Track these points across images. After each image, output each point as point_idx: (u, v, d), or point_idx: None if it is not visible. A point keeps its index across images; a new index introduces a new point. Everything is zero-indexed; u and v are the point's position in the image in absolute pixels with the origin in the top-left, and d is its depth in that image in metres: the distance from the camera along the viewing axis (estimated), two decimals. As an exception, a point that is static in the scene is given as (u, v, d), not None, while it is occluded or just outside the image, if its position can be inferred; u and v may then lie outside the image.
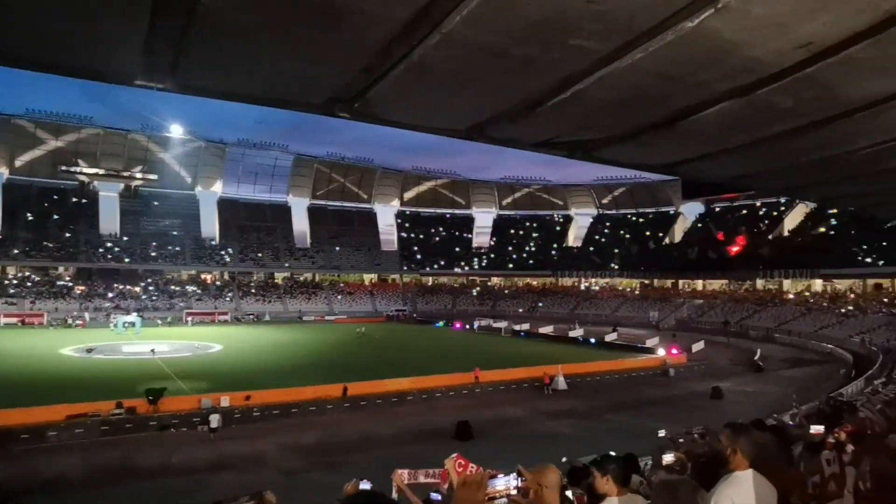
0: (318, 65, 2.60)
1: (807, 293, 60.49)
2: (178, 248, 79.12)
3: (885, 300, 51.08)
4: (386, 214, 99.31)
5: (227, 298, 75.59)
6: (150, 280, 74.21)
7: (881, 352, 36.54)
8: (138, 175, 74.70)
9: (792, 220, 69.57)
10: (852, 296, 55.59)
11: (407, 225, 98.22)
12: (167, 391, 24.77)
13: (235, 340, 48.75)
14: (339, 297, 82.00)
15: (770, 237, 68.57)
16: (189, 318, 66.21)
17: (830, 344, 45.46)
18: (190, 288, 75.66)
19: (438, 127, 3.46)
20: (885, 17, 2.32)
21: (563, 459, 10.77)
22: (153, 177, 76.70)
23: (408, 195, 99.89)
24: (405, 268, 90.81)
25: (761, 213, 74.24)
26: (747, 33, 2.37)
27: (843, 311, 52.17)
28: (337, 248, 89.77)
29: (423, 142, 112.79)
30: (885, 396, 9.83)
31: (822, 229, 63.29)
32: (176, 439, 21.62)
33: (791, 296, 60.99)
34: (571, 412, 26.27)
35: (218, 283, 79.96)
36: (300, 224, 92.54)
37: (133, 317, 57.17)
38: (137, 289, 71.68)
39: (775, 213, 72.07)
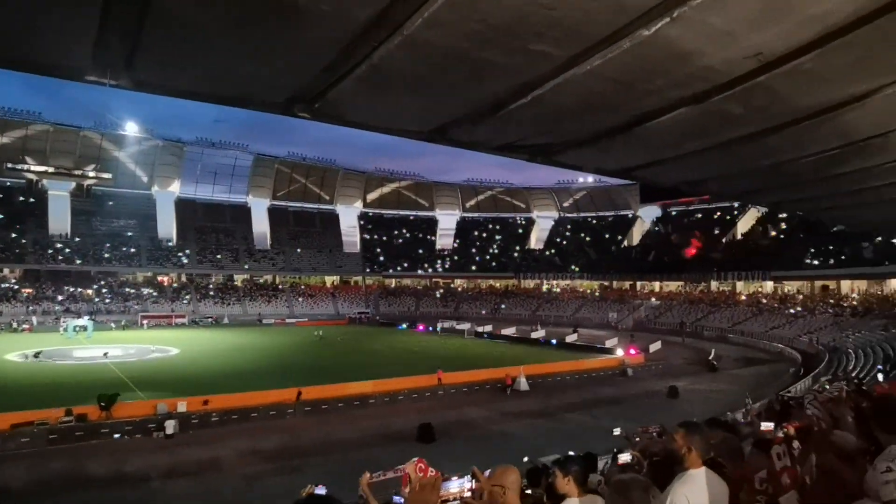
0: (277, 64, 2.57)
1: (758, 294, 62.56)
2: (133, 250, 76.69)
3: (832, 301, 53.22)
4: (348, 216, 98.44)
5: (185, 301, 73.69)
6: (103, 282, 71.70)
7: (827, 351, 38.09)
8: (91, 174, 72.10)
9: (744, 224, 71.90)
10: (801, 297, 57.74)
11: (370, 226, 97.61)
12: (120, 397, 23.95)
13: (193, 344, 47.53)
14: (299, 299, 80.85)
15: (724, 240, 70.69)
16: (144, 322, 64.25)
17: (780, 343, 47.11)
18: (145, 290, 73.45)
19: (400, 128, 3.45)
20: (829, 30, 2.43)
21: (525, 459, 10.87)
22: (107, 176, 74.15)
23: (371, 196, 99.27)
24: (368, 270, 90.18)
25: (715, 216, 76.48)
26: (701, 42, 2.44)
27: (792, 311, 54.13)
28: (298, 250, 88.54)
29: (385, 143, 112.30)
30: (829, 395, 10.25)
31: (773, 233, 65.60)
32: (130, 447, 20.91)
33: (743, 297, 62.97)
34: (533, 412, 26.52)
35: (175, 285, 77.85)
36: (260, 225, 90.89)
37: (84, 320, 55.07)
38: (89, 291, 69.18)
39: (728, 217, 74.35)
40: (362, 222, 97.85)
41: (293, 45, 2.41)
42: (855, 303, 50.52)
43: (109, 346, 41.67)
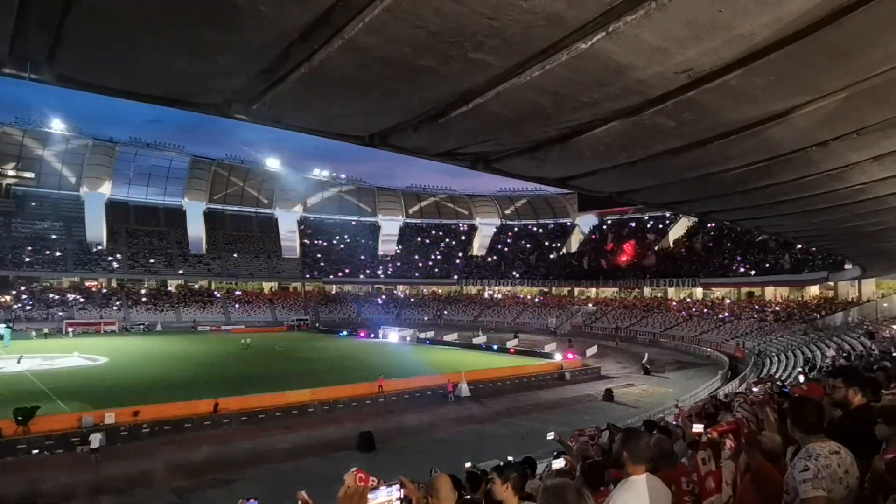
0: (212, 64, 2.47)
1: (688, 300, 65.29)
2: (58, 254, 72.28)
3: (757, 307, 56.13)
4: (288, 220, 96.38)
5: (115, 307, 70.14)
6: (23, 288, 67.29)
7: (753, 354, 40.13)
8: (10, 173, 67.70)
9: (675, 233, 74.96)
10: (728, 303, 60.61)
11: (310, 232, 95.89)
12: (40, 409, 22.45)
13: (123, 352, 45.23)
14: (236, 305, 78.41)
15: (656, 248, 73.46)
16: (70, 329, 60.50)
17: (709, 347, 49.27)
18: (71, 296, 69.41)
19: (340, 133, 3.40)
20: (753, 50, 2.55)
21: (468, 465, 10.91)
22: (29, 175, 69.83)
23: (311, 201, 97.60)
24: (307, 276, 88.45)
25: (649, 225, 79.41)
26: (635, 57, 2.51)
27: (720, 316, 56.74)
28: (235, 255, 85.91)
29: (327, 146, 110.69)
30: (756, 397, 10.76)
31: (702, 241, 68.68)
32: (50, 463, 19.68)
33: (674, 303, 65.58)
34: (474, 418, 26.68)
35: (104, 290, 73.94)
36: (196, 229, 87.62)
37: (0, 328, 51.55)
38: (7, 298, 64.76)
39: (661, 226, 77.33)
40: (302, 227, 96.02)
41: (229, 46, 2.32)
42: (777, 308, 53.41)
43: (29, 355, 39.09)
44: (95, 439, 20.14)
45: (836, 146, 4.14)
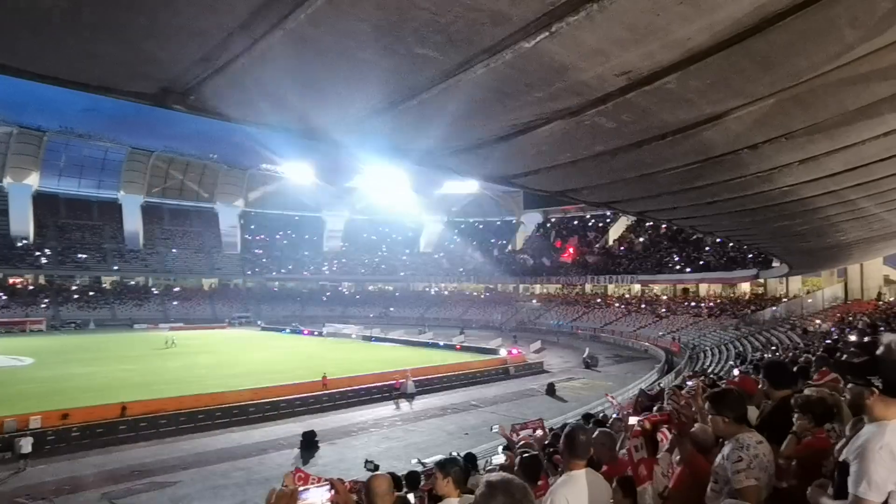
0: (145, 51, 2.35)
1: (627, 296, 67.40)
2: (-25, 248, 67.95)
3: (692, 303, 58.46)
4: (229, 215, 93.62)
5: (43, 305, 66.39)
6: (-66, 285, 62.88)
7: (688, 348, 41.81)
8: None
9: (616, 231, 77.18)
10: (665, 298, 62.91)
11: (252, 227, 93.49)
12: (-46, 415, 21.03)
13: (52, 352, 42.93)
14: (174, 302, 75.68)
15: (597, 246, 75.46)
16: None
17: (647, 342, 51.04)
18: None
19: (282, 126, 3.31)
20: (689, 55, 2.64)
21: (414, 461, 10.92)
22: (-59, 164, 65.12)
23: (253, 195, 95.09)
24: (249, 272, 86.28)
25: (591, 223, 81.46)
26: (577, 58, 2.55)
27: (657, 312, 58.85)
28: (173, 250, 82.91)
29: (270, 139, 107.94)
30: (690, 391, 11.20)
31: (641, 239, 71.01)
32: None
33: (614, 299, 67.57)
34: (420, 414, 26.73)
35: (31, 287, 69.80)
36: (132, 223, 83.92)
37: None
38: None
39: (602, 225, 79.47)
40: (244, 222, 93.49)
41: (164, 32, 2.22)
42: (711, 304, 55.82)
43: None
44: (27, 444, 19.03)
45: (765, 149, 4.34)
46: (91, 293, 72.07)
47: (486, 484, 1.96)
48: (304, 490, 2.49)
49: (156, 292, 76.52)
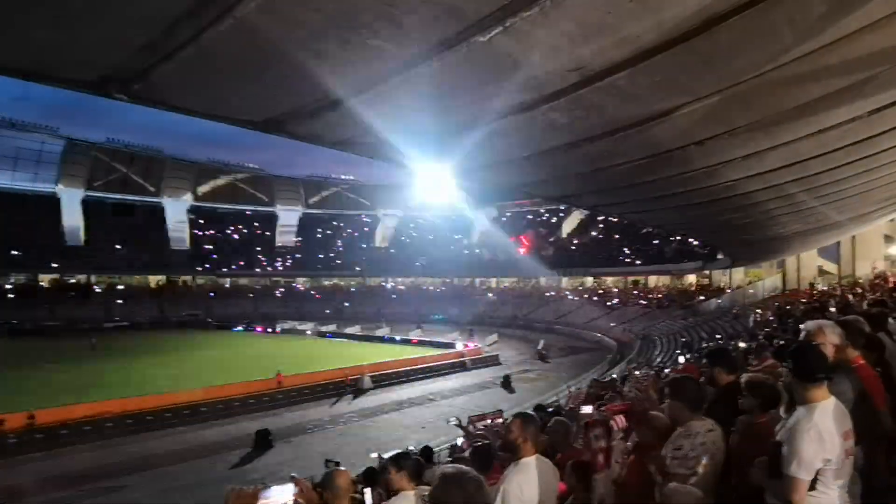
0: (84, 36, 2.25)
1: (580, 289, 68.75)
2: None
3: (642, 295, 60.07)
4: (176, 210, 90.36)
5: (-28, 307, 62.89)
6: None
7: (639, 339, 42.98)
8: None
9: (569, 225, 78.56)
10: (616, 290, 64.43)
11: (201, 222, 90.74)
12: None
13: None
14: (119, 301, 72.79)
15: (551, 239, 76.65)
16: None
17: (599, 333, 52.20)
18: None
19: (232, 117, 3.23)
20: (638, 52, 2.70)
21: (373, 455, 10.88)
22: None
23: (202, 189, 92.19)
24: (199, 269, 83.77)
25: (544, 218, 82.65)
26: (530, 53, 2.59)
27: (609, 304, 60.24)
28: (117, 247, 79.59)
29: (219, 132, 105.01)
30: (644, 380, 11.54)
31: (593, 233, 72.51)
32: None
33: (567, 292, 68.80)
34: (376, 409, 26.64)
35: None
36: (72, 219, 79.91)
37: None
38: None
39: (555, 220, 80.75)
40: (193, 217, 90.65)
41: (105, 16, 2.12)
42: (660, 296, 57.50)
43: None
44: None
45: (710, 145, 4.50)
46: (27, 293, 68.56)
47: (440, 477, 1.98)
48: (266, 489, 2.46)
49: (98, 291, 73.39)
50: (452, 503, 2.03)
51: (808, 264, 41.92)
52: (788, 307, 24.28)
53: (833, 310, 11.35)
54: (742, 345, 12.53)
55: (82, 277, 75.28)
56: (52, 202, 79.45)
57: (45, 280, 72.48)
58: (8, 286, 68.79)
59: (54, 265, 72.71)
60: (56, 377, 32.22)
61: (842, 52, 2.97)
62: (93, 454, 20.17)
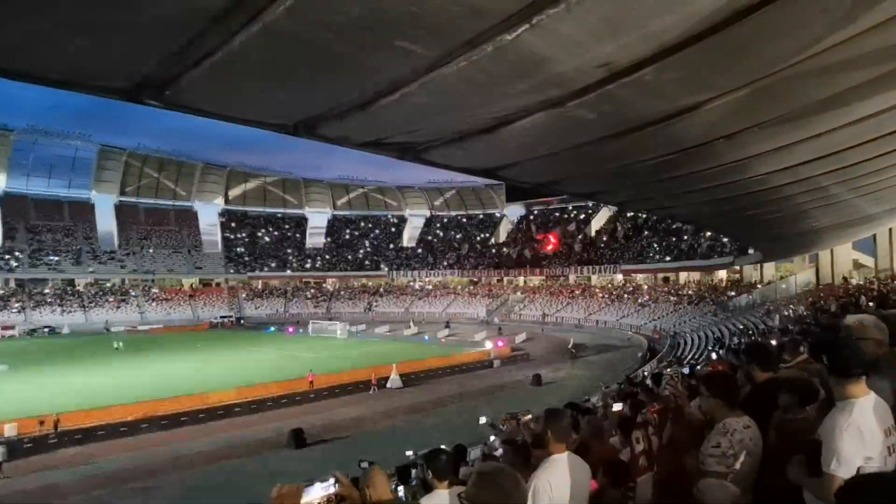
0: (117, 44, 2.32)
1: (609, 286, 68.01)
2: (-57, 253, 66.21)
3: (673, 291, 59.20)
4: (208, 213, 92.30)
5: (15, 309, 65.06)
6: None
7: (669, 336, 42.38)
8: None
9: (598, 222, 77.79)
10: (646, 287, 63.60)
11: (233, 224, 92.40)
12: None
13: (25, 358, 42.13)
14: (153, 304, 74.58)
15: (580, 236, 75.99)
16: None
17: (629, 330, 51.61)
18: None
19: (262, 121, 3.29)
20: (665, 46, 2.68)
21: (408, 453, 10.96)
22: None
23: (233, 193, 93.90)
24: (231, 270, 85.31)
25: (573, 214, 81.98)
26: (557, 50, 2.58)
27: (639, 301, 59.49)
28: (150, 250, 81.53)
29: (247, 136, 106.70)
30: (675, 377, 11.38)
31: (622, 230, 71.66)
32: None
33: (597, 289, 68.15)
34: (406, 409, 26.77)
35: (1, 291, 68.30)
36: (106, 223, 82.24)
37: None
38: None
39: (584, 216, 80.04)
40: (224, 220, 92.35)
41: (137, 26, 2.19)
42: (691, 292, 56.57)
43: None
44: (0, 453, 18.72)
45: (739, 139, 4.43)
46: (65, 296, 70.70)
47: (476, 474, 1.97)
48: (309, 486, 2.52)
49: (133, 294, 75.28)
50: (489, 501, 2.01)
51: (842, 258, 40.74)
52: (822, 302, 23.68)
53: (871, 304, 11.04)
54: (774, 341, 12.26)
55: (117, 280, 77.18)
56: (87, 207, 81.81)
57: (81, 284, 74.53)
58: (46, 290, 70.87)
59: (90, 269, 74.81)
60: (90, 380, 33.13)
61: (876, 39, 2.89)
62: (128, 454, 20.70)
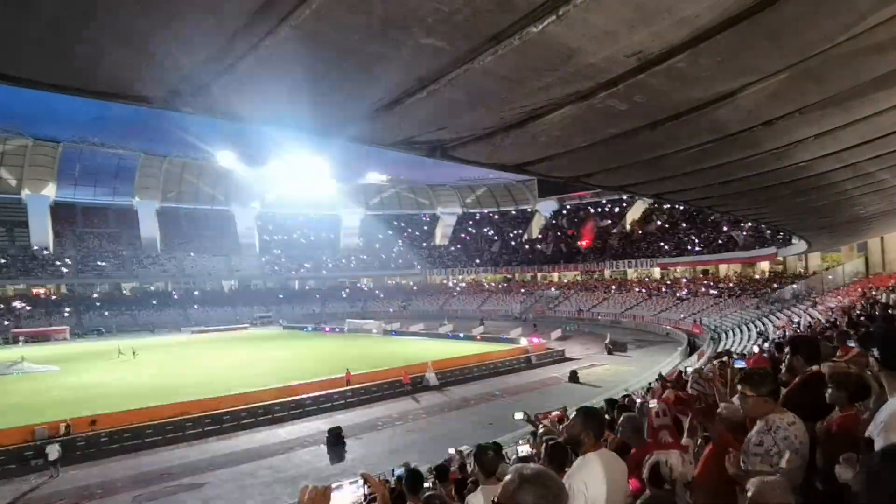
0: (151, 54, 2.38)
1: (647, 280, 66.88)
2: (1, 261, 69.16)
3: (712, 284, 57.87)
4: (245, 217, 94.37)
5: (65, 313, 67.65)
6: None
7: (709, 330, 41.43)
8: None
9: (633, 215, 76.60)
10: (684, 280, 62.30)
11: (269, 228, 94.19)
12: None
13: (76, 359, 43.76)
14: (195, 306, 76.58)
15: (615, 231, 74.93)
16: (20, 338, 58.08)
17: (668, 325, 50.64)
18: (17, 304, 66.42)
19: (293, 123, 3.33)
20: (699, 32, 2.60)
21: (451, 450, 10.99)
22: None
23: (269, 197, 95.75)
24: (269, 272, 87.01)
25: (607, 208, 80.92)
26: (586, 41, 2.53)
27: (677, 295, 58.33)
28: (192, 254, 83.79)
29: (280, 139, 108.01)
30: (710, 373, 11.12)
31: (658, 222, 70.39)
32: (4, 479, 18.96)
33: (634, 283, 67.10)
34: (443, 406, 26.85)
35: (53, 296, 71.08)
36: (149, 229, 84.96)
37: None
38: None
39: (618, 210, 78.91)
40: (261, 223, 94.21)
41: (168, 35, 2.23)
42: (732, 285, 55.19)
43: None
44: (53, 451, 19.45)
45: (779, 125, 4.27)
46: (112, 300, 73.17)
47: (518, 476, 1.88)
48: (338, 488, 2.52)
49: (176, 297, 77.42)
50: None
51: (893, 246, 39.14)
52: (874, 292, 22.81)
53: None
54: (820, 334, 11.87)
55: (160, 284, 79.53)
56: (131, 214, 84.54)
57: (126, 288, 77.03)
58: (95, 294, 73.48)
59: (135, 273, 77.29)
60: (141, 381, 34.15)
61: (925, 15, 2.75)
62: (175, 452, 21.30)
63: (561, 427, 7.12)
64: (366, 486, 2.73)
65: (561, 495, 1.86)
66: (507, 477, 1.91)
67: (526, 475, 1.85)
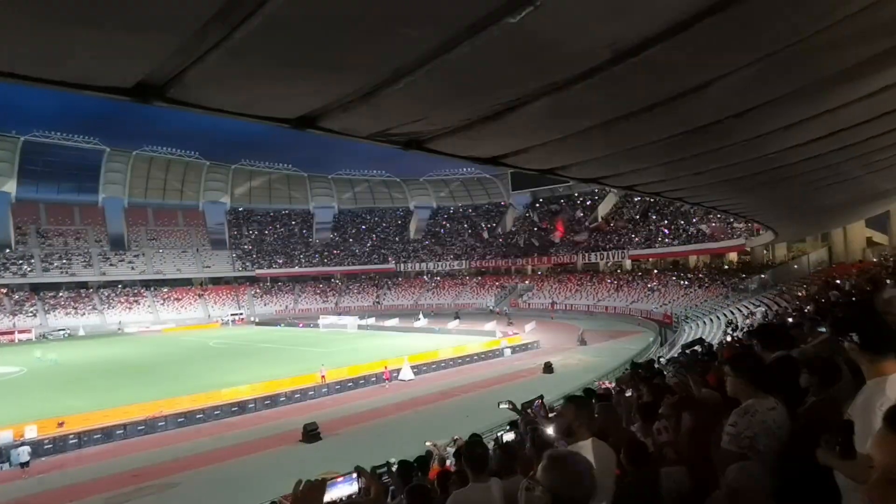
0: (119, 43, 2.29)
1: (618, 272, 67.78)
2: (-44, 260, 66.92)
3: (681, 274, 58.87)
4: (215, 212, 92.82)
5: (31, 314, 65.72)
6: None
7: (680, 319, 42.22)
8: None
9: (604, 207, 77.43)
10: (655, 272, 63.30)
11: (239, 223, 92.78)
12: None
13: (40, 361, 42.57)
14: (164, 304, 75.12)
15: (587, 223, 75.69)
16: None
17: (639, 315, 51.47)
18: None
19: (266, 116, 3.26)
20: (673, 23, 2.62)
21: (427, 444, 10.95)
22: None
23: (239, 191, 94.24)
24: (239, 268, 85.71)
25: (579, 201, 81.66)
26: (562, 32, 2.53)
27: (648, 286, 59.25)
28: (160, 251, 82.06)
29: (253, 135, 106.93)
30: (683, 360, 11.34)
31: (629, 215, 71.28)
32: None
33: (605, 275, 67.93)
34: (419, 400, 26.88)
35: (17, 296, 68.90)
36: (116, 225, 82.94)
37: None
38: None
39: (590, 202, 79.69)
40: (231, 218, 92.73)
41: (137, 23, 2.15)
42: (701, 275, 56.25)
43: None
44: (24, 452, 18.99)
45: (749, 117, 4.35)
46: (78, 299, 71.29)
47: (547, 458, 1.88)
48: (333, 483, 2.50)
49: (145, 294, 75.82)
50: (561, 488, 1.88)
51: (856, 236, 40.41)
52: (837, 281, 23.48)
53: (888, 281, 10.92)
54: (789, 320, 12.18)
55: (129, 281, 77.62)
56: (97, 210, 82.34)
57: (94, 286, 75.04)
58: (61, 294, 71.40)
59: (102, 271, 75.37)
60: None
61: (890, 9, 2.81)
62: (148, 452, 20.91)
63: (549, 416, 7.19)
64: (360, 480, 2.72)
65: (588, 478, 1.85)
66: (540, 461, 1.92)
67: (555, 457, 1.87)
